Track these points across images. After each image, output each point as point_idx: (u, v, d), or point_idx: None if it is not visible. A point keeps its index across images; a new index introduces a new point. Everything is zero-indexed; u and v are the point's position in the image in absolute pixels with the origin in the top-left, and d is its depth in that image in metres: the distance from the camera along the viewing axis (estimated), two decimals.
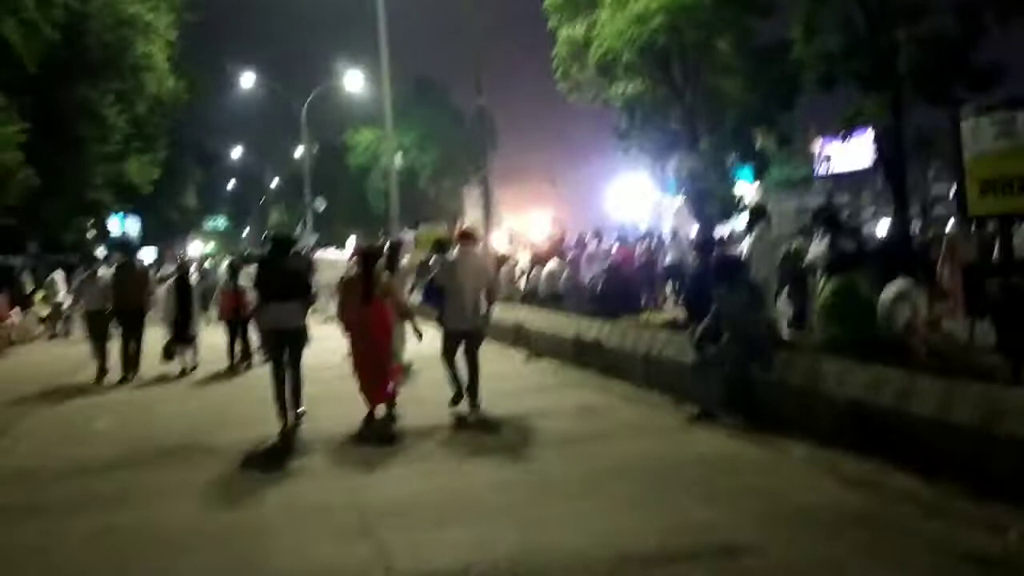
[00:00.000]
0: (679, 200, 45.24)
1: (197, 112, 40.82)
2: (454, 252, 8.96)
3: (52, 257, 30.31)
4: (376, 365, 8.23)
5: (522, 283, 17.10)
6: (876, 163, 32.06)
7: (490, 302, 8.67)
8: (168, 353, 12.87)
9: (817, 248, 9.73)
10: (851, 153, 34.43)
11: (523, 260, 18.99)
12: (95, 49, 24.31)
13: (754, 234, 10.40)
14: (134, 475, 7.07)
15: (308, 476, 6.80)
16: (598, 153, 54.22)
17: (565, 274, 13.77)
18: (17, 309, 21.36)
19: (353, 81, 44.48)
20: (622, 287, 12.13)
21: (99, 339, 12.90)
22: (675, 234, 18.74)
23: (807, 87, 20.65)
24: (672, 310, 14.57)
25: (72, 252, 30.37)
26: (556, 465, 6.59)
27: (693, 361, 7.89)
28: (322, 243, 40.24)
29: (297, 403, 8.34)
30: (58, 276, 22.11)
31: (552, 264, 14.50)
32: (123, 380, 12.41)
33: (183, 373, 12.93)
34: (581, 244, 18.12)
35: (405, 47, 49.37)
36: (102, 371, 12.68)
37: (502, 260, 17.32)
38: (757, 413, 7.35)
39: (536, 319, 12.93)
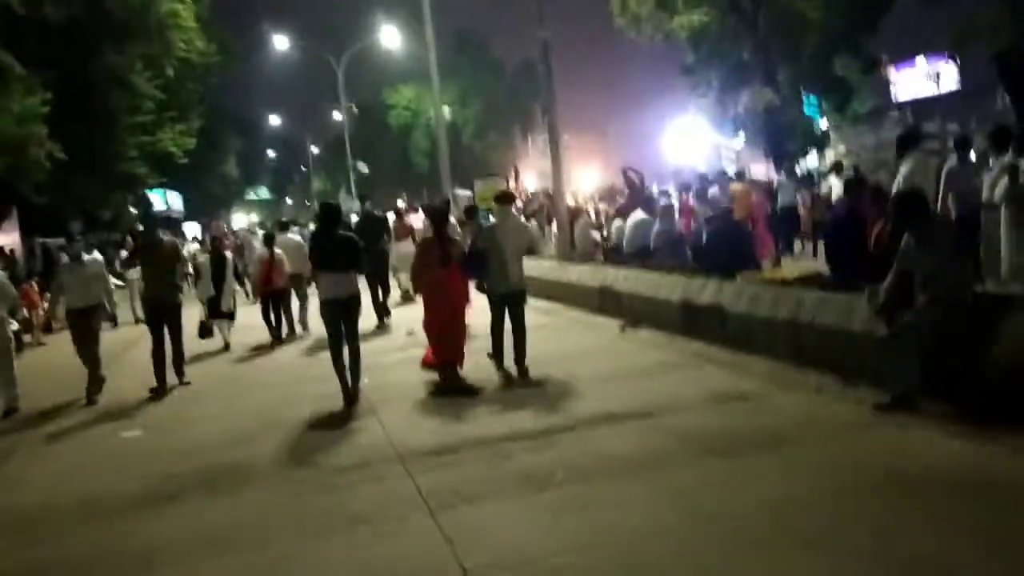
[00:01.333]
0: (739, 141, 43.03)
1: (231, 78, 39.29)
2: (492, 215, 9.27)
3: (95, 237, 29.19)
4: (458, 329, 8.28)
5: (596, 238, 15.27)
6: (961, 89, 29.43)
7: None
8: (204, 331, 12.25)
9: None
10: (921, 81, 31.55)
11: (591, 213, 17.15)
12: (117, 10, 22.68)
13: (910, 162, 8.41)
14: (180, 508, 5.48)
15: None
16: (653, 97, 51.81)
17: (657, 225, 11.86)
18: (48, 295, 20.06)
19: (390, 37, 42.47)
20: (734, 238, 10.13)
21: (85, 346, 9.85)
22: (790, 172, 16.60)
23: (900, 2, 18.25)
24: (798, 262, 12.67)
25: (113, 230, 29.23)
26: (723, 495, 4.73)
27: (884, 333, 5.96)
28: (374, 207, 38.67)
29: (357, 374, 8.18)
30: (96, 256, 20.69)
31: (638, 214, 12.58)
32: (156, 394, 9.54)
33: (226, 347, 12.57)
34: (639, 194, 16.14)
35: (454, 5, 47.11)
36: (95, 383, 9.77)
37: (575, 213, 15.44)
38: (974, 399, 5.47)
39: (629, 280, 11.05)
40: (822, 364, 6.97)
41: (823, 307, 7.17)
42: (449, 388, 8.03)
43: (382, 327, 12.75)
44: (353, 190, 44.18)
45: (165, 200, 46.86)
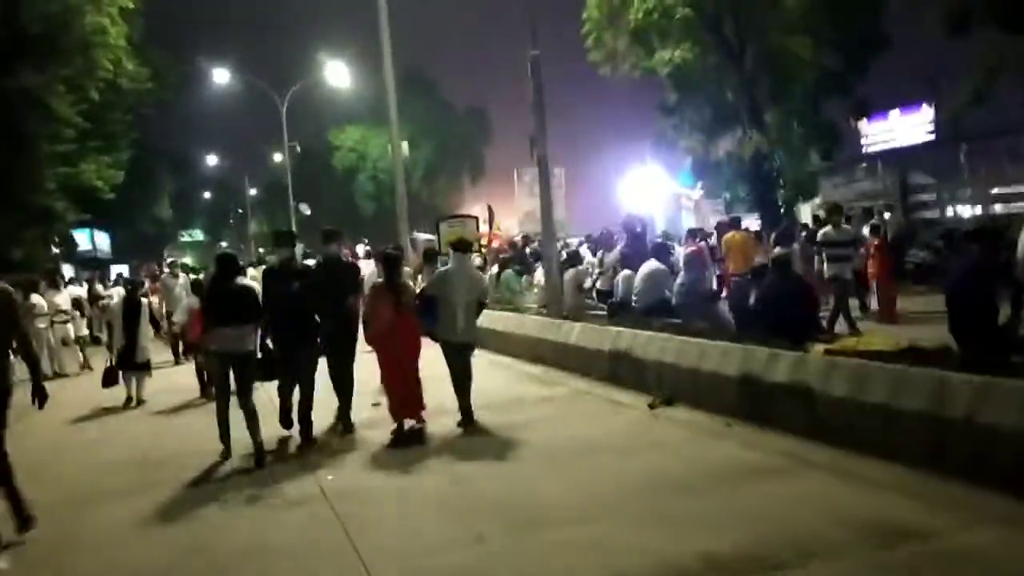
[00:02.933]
0: (697, 191, 41.66)
1: (165, 113, 36.63)
2: (449, 261, 8.84)
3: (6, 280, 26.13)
4: (412, 377, 8.17)
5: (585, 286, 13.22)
6: (937, 139, 28.37)
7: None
8: (109, 379, 11.56)
9: None
10: (894, 131, 30.47)
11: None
12: (34, 22, 20.13)
13: None
14: None
15: None
16: (611, 141, 50.48)
17: (682, 276, 9.85)
18: None
19: (337, 74, 40.44)
20: (796, 295, 8.04)
21: None
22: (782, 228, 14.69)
23: (922, 32, 16.77)
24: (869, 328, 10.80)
25: (22, 271, 26.18)
26: None
27: None
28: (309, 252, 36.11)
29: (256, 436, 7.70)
30: None
31: (651, 264, 10.54)
32: None
33: (129, 403, 11.55)
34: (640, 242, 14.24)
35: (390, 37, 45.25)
36: None
37: (570, 259, 13.29)
38: None
39: (655, 345, 8.90)
40: (983, 477, 4.93)
41: (988, 398, 5.14)
42: (400, 439, 7.94)
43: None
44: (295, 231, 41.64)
45: (92, 240, 43.72)
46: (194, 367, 11.89)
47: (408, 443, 7.78)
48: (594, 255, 14.98)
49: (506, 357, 12.48)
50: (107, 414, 11.19)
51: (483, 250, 18.73)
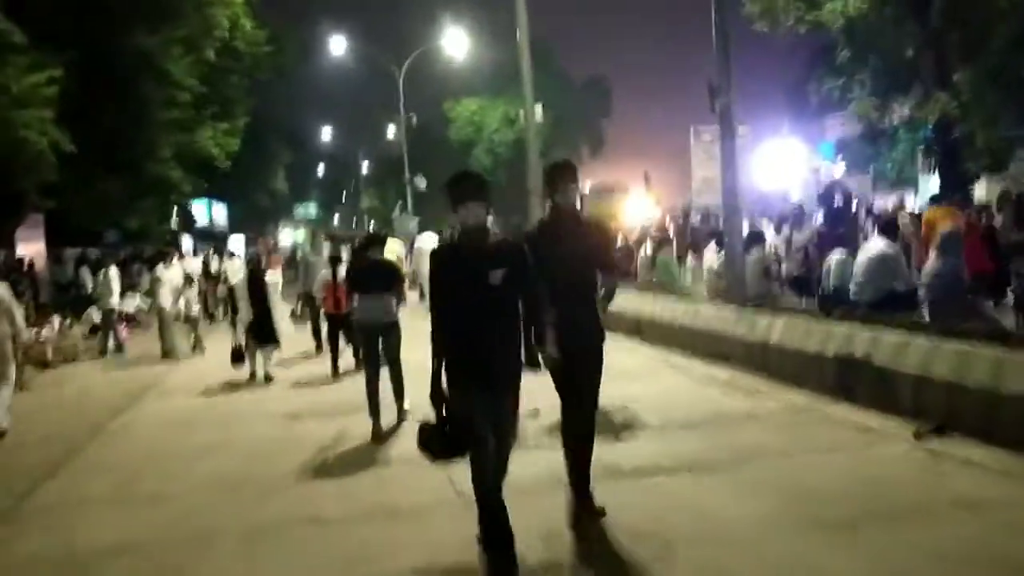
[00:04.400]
0: (839, 167, 38.40)
1: (280, 82, 35.76)
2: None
3: (129, 249, 25.61)
4: None
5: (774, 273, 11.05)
6: None
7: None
8: (237, 357, 11.33)
9: None
10: None
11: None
12: None
13: None
14: None
15: None
16: (742, 114, 47.26)
17: (933, 262, 7.65)
18: (56, 318, 16.33)
19: (455, 44, 38.92)
20: None
21: None
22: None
23: None
24: None
25: (138, 242, 25.60)
26: None
27: None
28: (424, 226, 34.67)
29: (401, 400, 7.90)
30: (112, 274, 16.89)
31: (877, 244, 8.33)
32: None
33: (262, 379, 11.20)
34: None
35: (507, 5, 43.33)
36: None
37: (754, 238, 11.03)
38: None
39: (917, 351, 6.67)
40: None
41: None
42: None
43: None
44: (410, 207, 40.61)
45: (210, 212, 43.63)
46: (310, 327, 13.00)
47: None
48: (777, 233, 12.73)
49: (674, 353, 10.49)
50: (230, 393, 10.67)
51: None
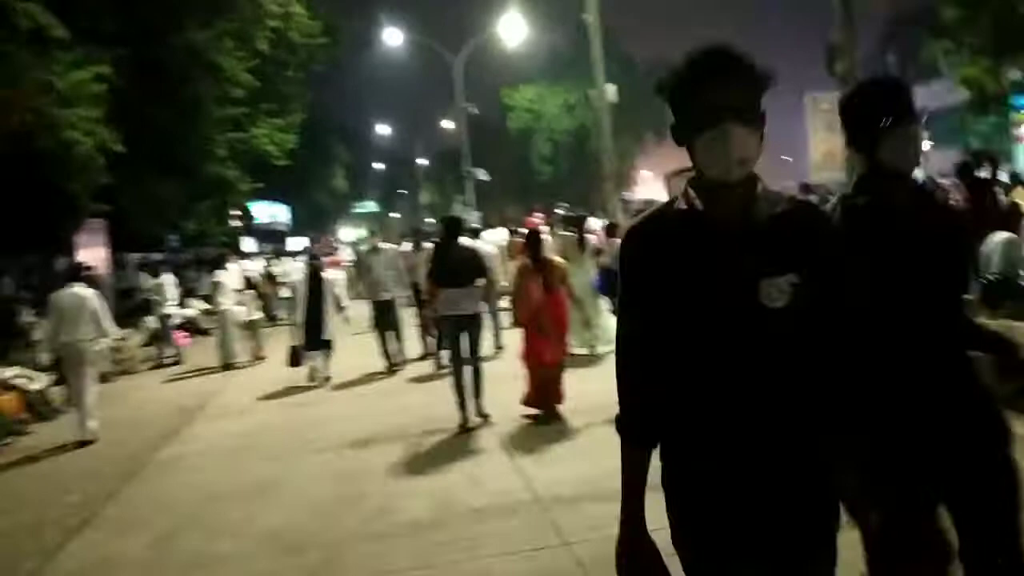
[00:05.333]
0: (925, 142, 36.03)
1: (336, 78, 34.91)
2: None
3: (189, 254, 24.97)
4: (551, 364, 7.61)
5: None
6: None
7: None
8: (295, 359, 11.23)
9: None
10: None
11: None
12: None
13: None
14: None
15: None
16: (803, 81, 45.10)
17: None
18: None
19: (513, 30, 37.49)
20: None
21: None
22: None
23: None
24: None
25: (198, 245, 24.88)
26: None
27: None
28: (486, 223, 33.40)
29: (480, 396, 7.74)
30: (167, 279, 16.06)
31: None
32: None
33: (320, 380, 11.14)
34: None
35: None
36: None
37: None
38: None
39: None
40: None
41: None
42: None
43: None
44: (471, 200, 39.53)
45: (271, 213, 43.24)
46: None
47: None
48: None
49: None
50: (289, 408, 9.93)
51: None
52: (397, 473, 6.62)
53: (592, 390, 7.52)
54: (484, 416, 7.73)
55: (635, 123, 50.78)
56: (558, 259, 8.17)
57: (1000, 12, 16.79)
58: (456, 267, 7.73)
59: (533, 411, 7.61)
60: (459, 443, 7.30)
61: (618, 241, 8.62)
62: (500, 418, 7.76)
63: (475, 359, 7.76)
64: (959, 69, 17.55)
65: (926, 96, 30.67)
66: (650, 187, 40.48)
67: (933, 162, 32.94)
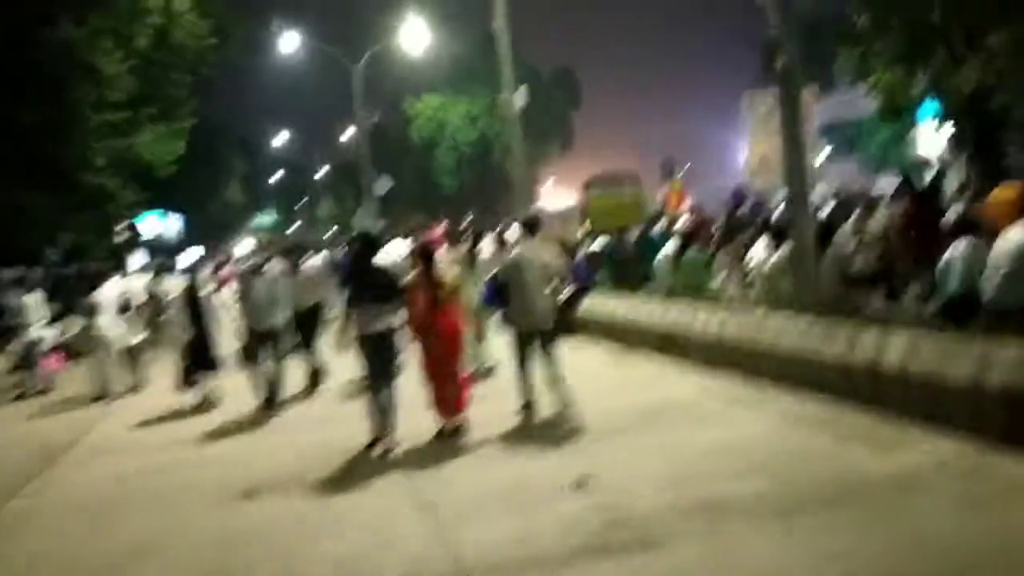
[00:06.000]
0: (822, 153, 36.64)
1: (230, 85, 33.23)
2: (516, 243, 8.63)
3: (71, 269, 22.98)
4: (447, 376, 7.68)
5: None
6: None
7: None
8: (185, 381, 10.55)
9: None
10: None
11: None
12: None
13: None
14: None
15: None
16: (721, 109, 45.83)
17: None
18: None
19: (416, 37, 36.57)
20: None
21: None
22: None
23: None
24: None
25: (76, 261, 22.96)
26: None
27: None
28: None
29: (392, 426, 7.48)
30: (30, 300, 14.43)
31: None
32: None
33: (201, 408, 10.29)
34: None
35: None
36: None
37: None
38: None
39: None
40: None
41: None
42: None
43: None
44: (369, 209, 38.38)
45: (162, 225, 41.03)
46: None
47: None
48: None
49: (729, 379, 8.40)
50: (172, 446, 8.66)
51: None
52: (293, 533, 5.58)
53: (484, 410, 7.91)
54: (387, 452, 7.32)
55: (540, 133, 50.42)
56: (449, 273, 8.13)
57: (912, 19, 16.74)
58: (371, 286, 7.56)
59: (442, 424, 7.65)
60: (365, 489, 6.34)
61: (513, 252, 8.24)
62: (412, 452, 7.18)
63: (390, 380, 7.57)
64: (874, 76, 17.44)
65: (827, 108, 31.13)
66: (557, 197, 40.12)
67: (833, 174, 33.57)
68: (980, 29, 16.07)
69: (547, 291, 7.87)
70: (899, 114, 18.20)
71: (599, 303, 12.47)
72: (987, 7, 15.93)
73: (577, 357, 9.70)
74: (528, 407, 7.89)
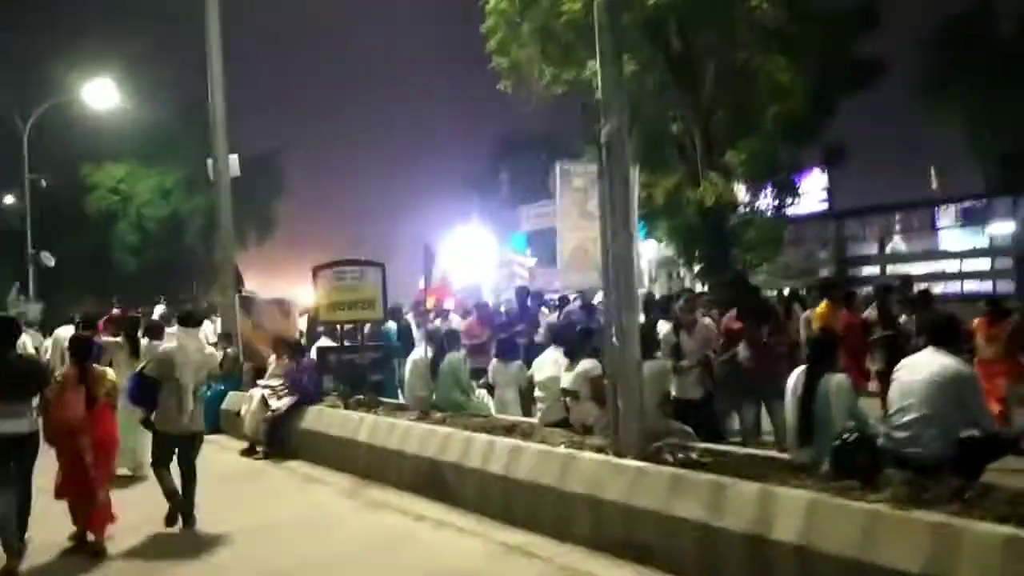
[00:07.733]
0: (530, 260, 36.86)
1: None
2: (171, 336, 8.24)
3: None
4: (100, 482, 6.88)
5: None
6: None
7: None
8: None
9: None
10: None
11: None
12: None
13: None
14: None
15: None
16: (434, 199, 45.28)
17: None
18: None
19: (102, 96, 32.70)
20: None
21: None
22: None
23: None
24: None
25: None
26: None
27: None
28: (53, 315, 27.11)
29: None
30: None
31: (942, 360, 4.89)
32: None
33: None
34: None
35: (167, 68, 37.59)
36: None
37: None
38: None
39: None
40: None
41: None
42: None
43: None
44: (31, 290, 32.96)
45: None
46: None
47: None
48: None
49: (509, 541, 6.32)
50: None
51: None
52: None
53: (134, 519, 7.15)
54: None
55: (238, 219, 46.71)
56: (105, 369, 7.31)
57: (651, 128, 16.52)
58: (8, 379, 6.53)
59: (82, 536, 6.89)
60: None
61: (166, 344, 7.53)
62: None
63: (24, 487, 6.60)
64: None
65: (531, 215, 31.16)
66: (257, 283, 37.12)
67: (540, 280, 33.67)
68: (716, 146, 16.11)
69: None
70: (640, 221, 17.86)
71: (329, 418, 9.92)
72: (724, 124, 16.05)
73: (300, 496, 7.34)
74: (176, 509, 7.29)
